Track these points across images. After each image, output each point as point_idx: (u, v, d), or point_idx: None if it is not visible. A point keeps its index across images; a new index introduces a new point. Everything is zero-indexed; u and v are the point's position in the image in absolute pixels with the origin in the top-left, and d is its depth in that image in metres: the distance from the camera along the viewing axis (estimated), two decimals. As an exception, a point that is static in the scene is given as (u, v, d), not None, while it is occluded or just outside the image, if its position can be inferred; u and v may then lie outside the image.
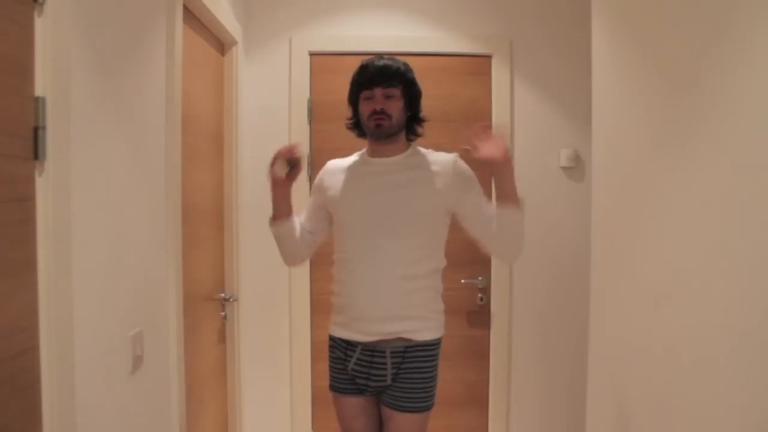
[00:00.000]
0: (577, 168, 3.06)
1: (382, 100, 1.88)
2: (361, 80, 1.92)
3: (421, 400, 1.89)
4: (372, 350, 1.90)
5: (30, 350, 1.18)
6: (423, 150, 2.00)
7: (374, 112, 1.88)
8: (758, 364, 1.30)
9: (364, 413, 1.97)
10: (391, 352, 1.88)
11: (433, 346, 1.91)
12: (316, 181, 2.07)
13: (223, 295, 2.60)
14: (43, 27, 1.19)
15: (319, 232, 2.06)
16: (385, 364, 1.89)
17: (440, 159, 1.95)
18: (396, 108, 1.90)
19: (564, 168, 3.06)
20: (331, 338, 2.01)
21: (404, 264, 1.86)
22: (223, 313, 2.61)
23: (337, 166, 2.03)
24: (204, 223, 2.39)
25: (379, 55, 1.96)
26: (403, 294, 1.86)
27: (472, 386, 3.08)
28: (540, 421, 3.11)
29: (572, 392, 3.00)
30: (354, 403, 1.97)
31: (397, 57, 1.99)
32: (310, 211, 2.07)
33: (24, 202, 1.16)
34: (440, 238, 1.95)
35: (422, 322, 1.90)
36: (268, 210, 2.97)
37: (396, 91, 1.90)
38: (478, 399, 3.08)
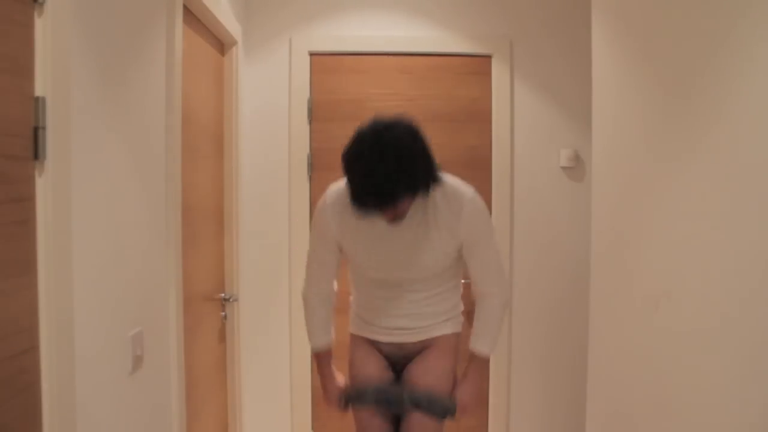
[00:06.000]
0: (577, 168, 3.05)
1: (392, 210, 1.65)
2: (360, 205, 1.62)
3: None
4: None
5: (30, 350, 1.18)
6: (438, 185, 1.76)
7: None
8: (758, 364, 1.30)
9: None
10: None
11: (452, 336, 1.99)
12: (319, 218, 1.86)
13: (223, 295, 2.60)
14: (43, 27, 1.19)
15: (336, 270, 1.96)
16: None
17: (453, 202, 1.77)
18: (408, 204, 1.68)
19: (564, 168, 3.06)
20: (355, 336, 2.07)
21: (424, 298, 1.92)
22: (223, 313, 2.61)
23: (342, 204, 1.79)
24: (204, 223, 2.39)
25: (364, 142, 1.57)
26: (425, 316, 1.94)
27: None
28: (540, 421, 3.11)
29: (572, 392, 3.00)
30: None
31: (391, 126, 1.58)
32: (324, 257, 1.91)
33: (24, 202, 1.16)
34: (459, 267, 1.95)
35: (442, 324, 1.96)
36: (269, 210, 2.98)
37: (404, 199, 1.63)
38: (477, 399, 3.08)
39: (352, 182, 1.60)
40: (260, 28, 2.97)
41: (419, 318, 1.92)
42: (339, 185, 1.83)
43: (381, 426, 1.96)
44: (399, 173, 1.54)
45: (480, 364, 1.94)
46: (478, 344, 1.91)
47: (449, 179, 1.81)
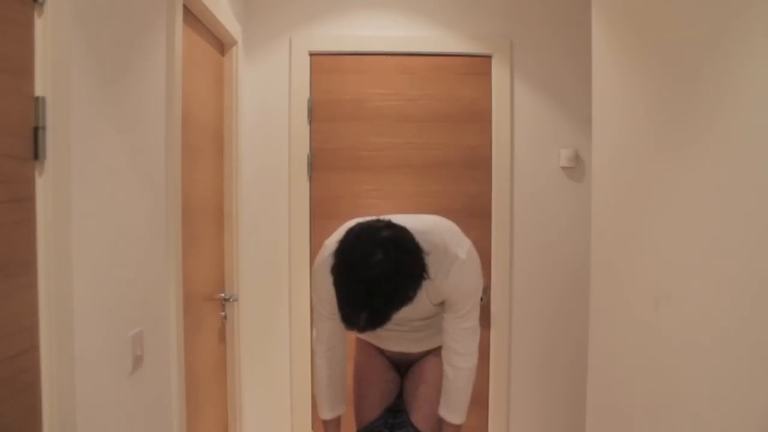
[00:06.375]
0: (577, 168, 3.05)
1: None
2: (351, 326, 1.54)
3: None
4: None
5: (30, 350, 1.18)
6: (427, 248, 1.62)
7: None
8: (758, 364, 1.30)
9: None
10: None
11: None
12: (319, 270, 1.76)
13: (223, 295, 2.60)
14: (43, 27, 1.19)
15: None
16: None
17: (442, 266, 1.71)
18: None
19: (564, 168, 3.06)
20: (361, 339, 2.10)
21: (426, 325, 1.93)
22: (223, 313, 2.61)
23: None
24: (204, 223, 2.39)
25: (349, 276, 1.48)
26: (428, 332, 1.95)
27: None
28: (540, 421, 3.11)
29: (572, 392, 3.00)
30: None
31: (375, 250, 1.47)
32: (331, 312, 1.76)
33: (24, 202, 1.16)
34: None
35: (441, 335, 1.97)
36: (269, 210, 2.98)
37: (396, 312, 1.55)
38: (478, 399, 3.08)
39: (341, 309, 1.52)
40: (260, 28, 2.97)
41: (422, 333, 1.95)
42: (337, 237, 1.66)
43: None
44: (389, 305, 1.49)
45: (453, 430, 1.89)
46: (449, 416, 1.86)
47: (443, 240, 1.71)
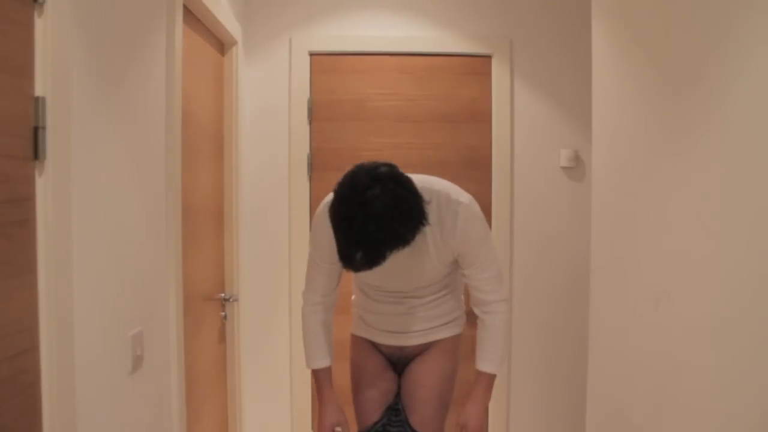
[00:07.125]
0: (577, 168, 3.06)
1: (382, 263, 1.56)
2: (348, 264, 1.53)
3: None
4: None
5: (30, 350, 1.18)
6: (428, 198, 1.63)
7: None
8: (759, 365, 1.30)
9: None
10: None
11: (451, 338, 1.99)
12: (318, 223, 1.78)
13: (223, 295, 2.60)
14: (43, 27, 1.19)
15: (338, 278, 1.90)
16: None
17: (447, 215, 1.70)
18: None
19: (564, 168, 3.06)
20: (356, 336, 2.07)
21: (425, 302, 1.91)
22: (223, 313, 2.61)
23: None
24: (204, 223, 2.39)
25: (347, 215, 1.46)
26: (426, 319, 1.93)
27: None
28: (540, 421, 3.11)
29: (572, 393, 3.00)
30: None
31: (372, 186, 1.46)
32: (324, 264, 1.83)
33: (24, 202, 1.16)
34: (458, 271, 1.89)
35: (442, 328, 1.96)
36: (269, 210, 2.98)
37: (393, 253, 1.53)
38: (478, 399, 3.08)
39: (338, 245, 1.51)
40: (260, 28, 2.97)
41: (419, 321, 1.93)
42: None
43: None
44: (385, 242, 1.47)
45: (486, 384, 1.85)
46: (484, 365, 1.83)
47: (444, 187, 1.73)
